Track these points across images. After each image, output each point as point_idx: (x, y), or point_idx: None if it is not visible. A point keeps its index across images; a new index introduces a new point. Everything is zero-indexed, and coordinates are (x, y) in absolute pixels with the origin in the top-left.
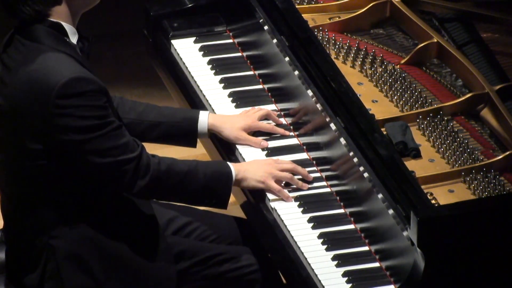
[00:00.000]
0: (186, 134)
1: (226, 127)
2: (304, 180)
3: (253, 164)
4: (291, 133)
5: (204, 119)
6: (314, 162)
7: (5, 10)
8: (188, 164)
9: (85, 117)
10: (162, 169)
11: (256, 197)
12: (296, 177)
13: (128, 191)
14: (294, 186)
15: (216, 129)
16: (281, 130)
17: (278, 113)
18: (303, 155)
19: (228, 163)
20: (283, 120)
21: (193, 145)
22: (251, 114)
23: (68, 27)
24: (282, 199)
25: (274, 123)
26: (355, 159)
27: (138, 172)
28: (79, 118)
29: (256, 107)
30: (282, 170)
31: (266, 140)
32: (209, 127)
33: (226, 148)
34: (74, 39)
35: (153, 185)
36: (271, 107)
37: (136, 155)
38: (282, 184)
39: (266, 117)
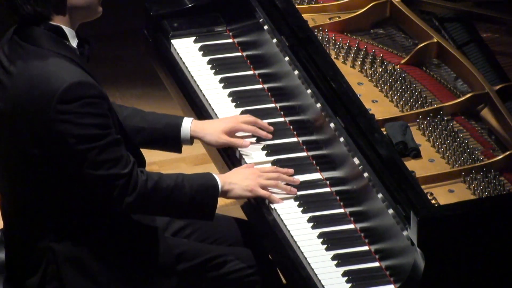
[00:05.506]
0: (169, 140)
1: (207, 132)
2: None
3: (238, 174)
4: (270, 136)
5: (186, 125)
6: (314, 161)
7: (7, 5)
8: (174, 179)
9: (85, 125)
10: (149, 186)
11: (256, 198)
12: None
13: (117, 206)
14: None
15: (198, 135)
16: (263, 133)
17: (278, 112)
18: (303, 155)
19: (214, 174)
20: (281, 119)
21: (178, 150)
22: (236, 117)
23: (68, 30)
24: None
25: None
26: (355, 159)
27: (126, 189)
28: (79, 125)
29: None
30: (268, 179)
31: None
32: (191, 134)
33: (225, 149)
34: (74, 42)
35: (140, 203)
36: (270, 107)
37: (128, 171)
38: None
39: (253, 124)
